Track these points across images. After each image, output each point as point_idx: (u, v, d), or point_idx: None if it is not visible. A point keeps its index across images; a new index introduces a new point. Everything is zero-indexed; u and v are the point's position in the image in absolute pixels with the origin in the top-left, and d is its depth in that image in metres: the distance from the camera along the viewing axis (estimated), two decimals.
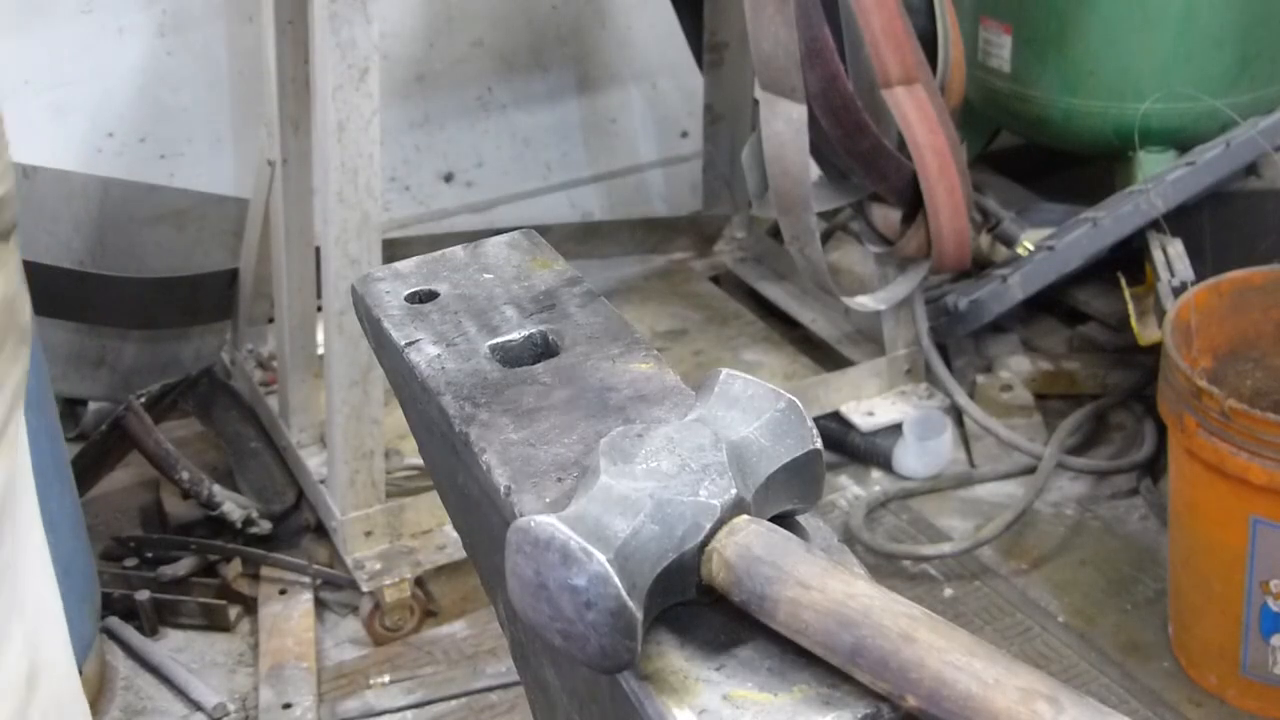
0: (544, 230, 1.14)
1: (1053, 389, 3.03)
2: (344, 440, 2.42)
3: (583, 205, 3.60)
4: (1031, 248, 2.98)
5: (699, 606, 0.79)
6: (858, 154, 2.60)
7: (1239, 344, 2.42)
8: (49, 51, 2.97)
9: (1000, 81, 3.18)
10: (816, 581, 0.74)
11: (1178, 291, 2.62)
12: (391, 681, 2.39)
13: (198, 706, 2.34)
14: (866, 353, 2.99)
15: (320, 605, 2.54)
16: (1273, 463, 2.09)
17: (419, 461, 2.50)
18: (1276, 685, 2.25)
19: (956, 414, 2.92)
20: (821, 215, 2.82)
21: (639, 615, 0.73)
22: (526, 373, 0.98)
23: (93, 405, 2.94)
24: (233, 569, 2.54)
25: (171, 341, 2.97)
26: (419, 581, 2.50)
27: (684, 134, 3.65)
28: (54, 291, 2.64)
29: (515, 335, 1.02)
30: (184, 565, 2.54)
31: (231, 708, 2.33)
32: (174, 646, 2.48)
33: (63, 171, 2.95)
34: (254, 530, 2.58)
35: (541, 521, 0.74)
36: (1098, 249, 2.86)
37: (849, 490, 2.83)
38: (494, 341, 1.01)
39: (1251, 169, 2.91)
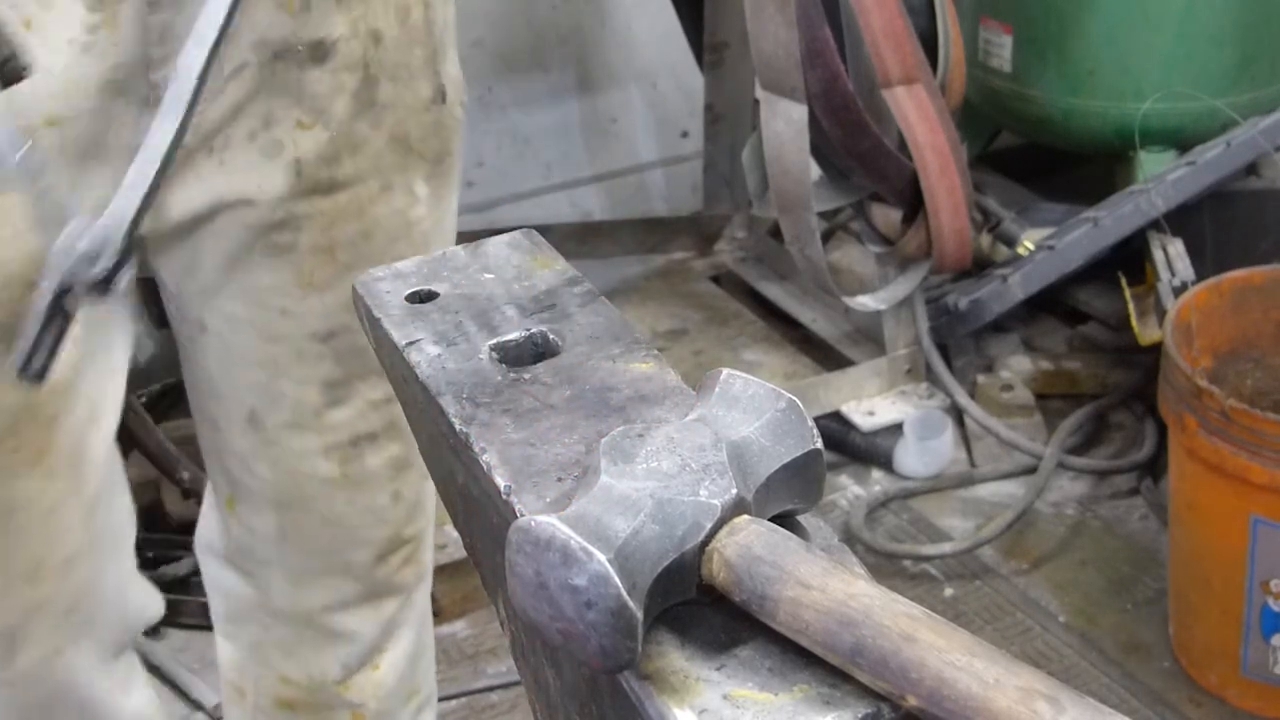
0: (544, 230, 1.14)
1: (1053, 389, 3.03)
2: None
3: (583, 205, 3.60)
4: (1032, 247, 2.98)
5: (699, 606, 0.79)
6: (858, 154, 2.60)
7: (1239, 344, 2.42)
8: None
9: (1000, 81, 3.18)
10: (817, 581, 0.74)
11: (1178, 291, 2.62)
12: None
13: (199, 706, 2.34)
14: (867, 352, 2.99)
15: None
16: (1273, 462, 2.09)
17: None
18: (1277, 685, 2.25)
19: (957, 414, 2.92)
20: (822, 215, 2.82)
21: (639, 615, 0.73)
22: (527, 372, 0.98)
23: None
24: None
25: (173, 341, 2.96)
26: None
27: (684, 134, 3.65)
28: None
29: (516, 335, 1.02)
30: (185, 565, 2.54)
31: None
32: (175, 646, 2.48)
33: None
34: None
35: (542, 521, 0.74)
36: (1098, 249, 2.86)
37: (849, 490, 2.83)
38: (494, 341, 1.01)
39: (1252, 169, 2.91)
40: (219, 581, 1.61)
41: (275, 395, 1.41)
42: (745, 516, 0.79)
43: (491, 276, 1.10)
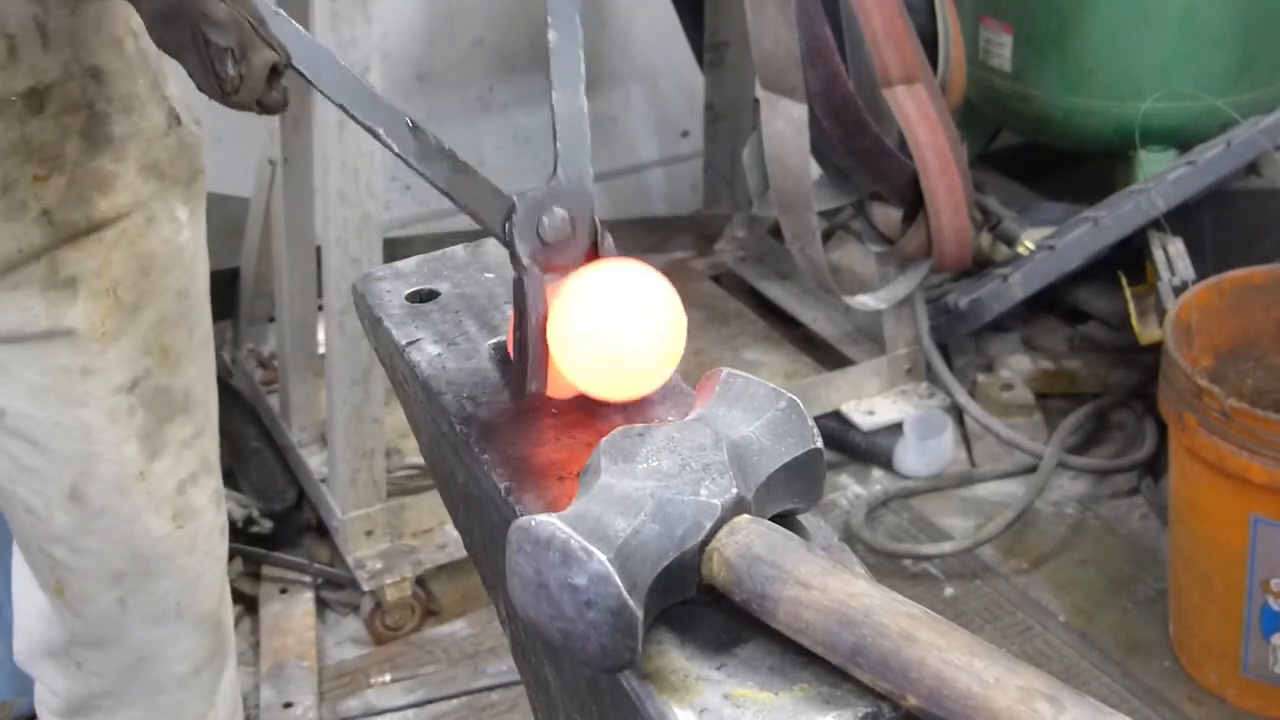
0: None
1: (1053, 388, 3.03)
2: (345, 439, 2.42)
3: None
4: (1032, 247, 2.97)
5: (699, 606, 0.79)
6: (858, 153, 2.60)
7: (1240, 343, 2.42)
8: None
9: (1001, 80, 3.18)
10: (817, 581, 0.74)
11: (1178, 290, 2.62)
12: (392, 680, 2.39)
13: None
14: (867, 352, 2.99)
15: (321, 604, 2.54)
16: (1273, 461, 2.08)
17: (420, 460, 2.50)
18: (1277, 684, 2.25)
19: (957, 413, 2.92)
20: (822, 214, 2.82)
21: (639, 614, 0.73)
22: None
23: None
24: (233, 568, 2.54)
25: None
26: (420, 580, 2.50)
27: (685, 133, 3.65)
28: None
29: None
30: None
31: None
32: None
33: None
34: (255, 529, 2.58)
35: (542, 520, 0.74)
36: (1098, 248, 2.86)
37: (850, 489, 2.83)
38: (495, 341, 1.02)
39: (1252, 168, 2.91)
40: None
41: (93, 463, 1.35)
42: (745, 516, 0.79)
43: (492, 276, 1.10)
